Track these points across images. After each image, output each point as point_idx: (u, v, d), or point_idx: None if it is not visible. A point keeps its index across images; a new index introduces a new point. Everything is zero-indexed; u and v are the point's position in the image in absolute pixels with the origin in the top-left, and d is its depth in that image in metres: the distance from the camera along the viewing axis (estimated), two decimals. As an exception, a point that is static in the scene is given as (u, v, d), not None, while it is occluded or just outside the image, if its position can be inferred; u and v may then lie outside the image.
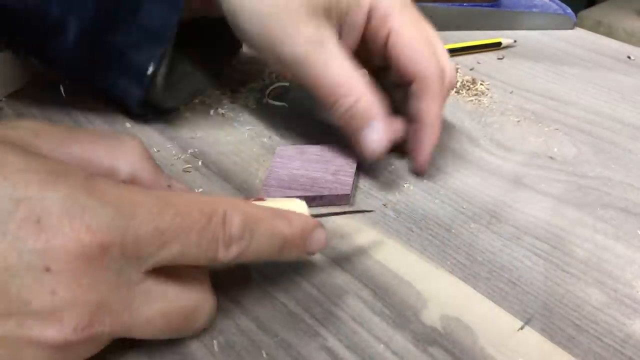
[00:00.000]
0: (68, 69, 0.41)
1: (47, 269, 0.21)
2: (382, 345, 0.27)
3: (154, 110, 0.42)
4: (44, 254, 0.21)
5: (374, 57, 0.39)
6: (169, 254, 0.23)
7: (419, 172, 0.38)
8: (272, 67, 0.47)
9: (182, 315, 0.25)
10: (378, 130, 0.35)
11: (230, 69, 0.51)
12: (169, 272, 0.24)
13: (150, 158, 0.29)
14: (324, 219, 0.34)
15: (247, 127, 0.43)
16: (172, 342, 0.26)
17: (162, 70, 0.39)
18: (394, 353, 0.26)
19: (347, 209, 0.35)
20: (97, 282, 0.22)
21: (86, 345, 0.23)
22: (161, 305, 0.24)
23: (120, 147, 0.28)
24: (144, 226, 0.22)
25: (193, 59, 0.45)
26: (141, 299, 0.23)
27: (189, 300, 0.25)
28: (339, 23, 0.36)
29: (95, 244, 0.21)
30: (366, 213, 0.35)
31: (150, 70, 0.38)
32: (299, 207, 0.29)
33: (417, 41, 0.37)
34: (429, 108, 0.37)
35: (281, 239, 0.26)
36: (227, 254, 0.24)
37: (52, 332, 0.21)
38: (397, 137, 0.36)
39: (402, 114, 0.38)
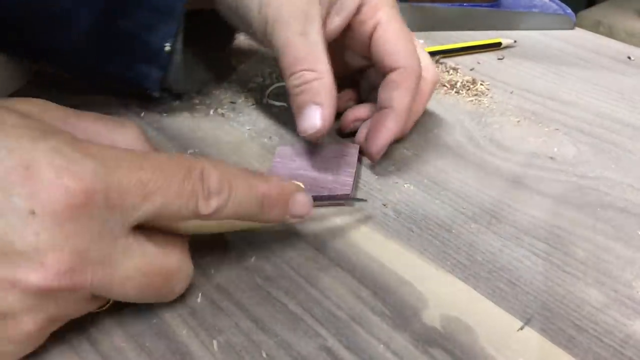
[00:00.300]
0: (76, 62, 0.40)
1: (32, 212, 0.22)
2: (382, 346, 0.27)
3: (169, 93, 0.42)
4: (30, 198, 0.22)
5: (354, 52, 0.41)
6: (151, 206, 0.24)
7: (371, 157, 0.38)
8: (245, 32, 0.44)
9: (162, 276, 0.25)
10: (318, 115, 0.35)
11: (230, 69, 0.51)
12: (150, 235, 0.25)
13: (147, 140, 0.30)
14: (323, 219, 0.34)
15: (247, 127, 0.43)
16: (171, 342, 0.26)
17: (179, 47, 0.38)
18: (394, 353, 0.26)
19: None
20: (81, 230, 0.23)
21: (68, 297, 0.23)
22: (142, 261, 0.25)
23: (120, 127, 0.29)
24: (127, 177, 0.23)
25: (194, 51, 0.46)
26: (122, 253, 0.24)
27: (168, 262, 0.26)
28: (330, 4, 0.37)
29: (81, 190, 0.22)
30: (362, 204, 0.35)
31: (168, 48, 0.38)
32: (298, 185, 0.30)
33: (402, 36, 0.38)
34: (401, 98, 0.37)
35: (260, 194, 0.27)
36: (207, 207, 0.25)
37: (34, 276, 0.22)
38: (330, 127, 0.36)
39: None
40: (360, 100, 0.44)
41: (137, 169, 0.24)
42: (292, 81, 0.35)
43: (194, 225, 0.27)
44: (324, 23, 0.37)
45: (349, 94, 0.43)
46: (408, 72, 0.37)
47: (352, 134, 0.41)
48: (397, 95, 0.37)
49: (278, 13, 0.35)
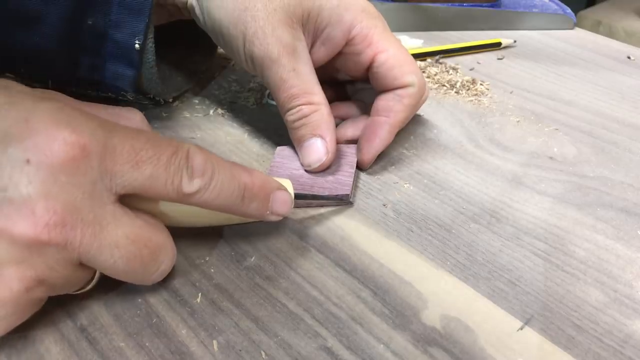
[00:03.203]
0: (47, 65, 0.39)
1: (28, 161, 0.23)
2: (382, 346, 0.27)
3: (146, 97, 0.42)
4: (26, 147, 0.23)
5: (345, 73, 0.41)
6: (140, 176, 0.25)
7: (363, 164, 0.38)
8: (238, 64, 0.46)
9: (150, 249, 0.26)
10: (320, 147, 0.36)
11: (229, 70, 0.51)
12: (137, 212, 0.26)
13: (148, 126, 0.31)
14: (323, 219, 0.34)
15: (247, 127, 0.43)
16: (171, 342, 0.26)
17: (150, 46, 0.38)
18: (394, 353, 0.26)
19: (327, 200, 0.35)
20: (73, 185, 0.23)
21: (57, 256, 0.23)
22: (131, 230, 0.25)
23: (122, 113, 0.30)
24: (121, 142, 0.25)
25: (173, 59, 0.46)
26: (111, 219, 0.24)
27: (156, 236, 0.26)
28: (315, 35, 0.37)
29: (78, 145, 0.23)
30: (362, 204, 0.35)
31: (137, 45, 0.37)
32: (286, 184, 0.31)
33: (403, 58, 0.38)
34: (400, 112, 0.38)
35: (242, 184, 0.28)
36: (190, 186, 0.26)
37: (23, 224, 0.22)
38: (333, 158, 0.37)
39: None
40: (341, 96, 0.44)
41: (131, 137, 0.25)
42: (290, 116, 0.36)
43: (176, 211, 0.28)
44: (310, 52, 0.37)
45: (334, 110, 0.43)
46: (414, 90, 0.38)
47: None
48: (396, 109, 0.38)
49: (265, 51, 0.35)
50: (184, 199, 0.26)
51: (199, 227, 0.31)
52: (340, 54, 0.38)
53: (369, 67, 0.38)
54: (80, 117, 0.24)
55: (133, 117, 0.30)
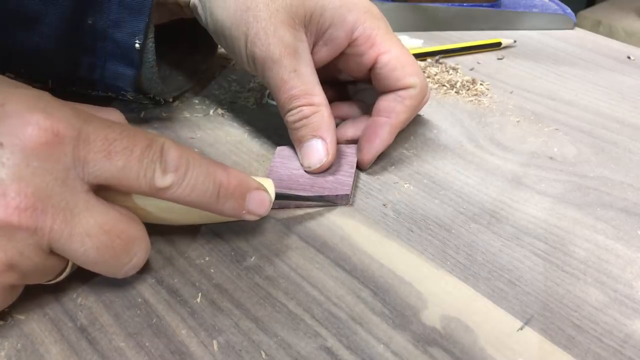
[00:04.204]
0: (47, 66, 0.39)
1: (1, 144, 0.23)
2: (382, 346, 0.27)
3: (146, 97, 0.42)
4: (0, 131, 0.23)
5: (347, 74, 0.41)
6: (113, 167, 0.25)
7: (363, 164, 0.38)
8: (239, 64, 0.46)
9: (122, 240, 0.26)
10: (320, 148, 0.36)
11: (229, 70, 0.51)
12: (112, 204, 0.26)
13: (127, 124, 0.31)
14: (323, 219, 0.34)
15: (247, 127, 0.43)
16: (171, 342, 0.26)
17: (150, 45, 0.38)
18: (394, 353, 0.26)
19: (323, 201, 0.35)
20: (45, 170, 0.23)
21: (27, 241, 0.23)
22: (104, 219, 0.25)
23: (101, 111, 0.30)
24: (95, 132, 0.25)
25: (173, 58, 0.46)
26: (84, 207, 0.25)
27: (130, 228, 0.26)
28: (317, 36, 0.37)
29: (52, 130, 0.23)
30: (362, 204, 0.35)
31: (137, 45, 0.37)
32: (267, 183, 0.31)
33: (406, 59, 0.38)
34: (401, 113, 0.38)
35: (217, 182, 0.28)
36: (163, 181, 0.26)
37: None
38: (334, 159, 0.37)
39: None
40: (343, 96, 0.44)
41: (105, 127, 0.25)
42: (290, 117, 0.36)
43: (152, 206, 0.28)
44: (312, 52, 0.37)
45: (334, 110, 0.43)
46: (416, 91, 0.38)
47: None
48: (398, 110, 0.38)
49: (267, 51, 0.35)
50: (157, 193, 0.26)
51: (179, 226, 0.31)
52: (342, 54, 0.38)
53: (372, 68, 0.38)
54: (56, 104, 0.25)
55: (112, 115, 0.30)
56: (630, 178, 0.40)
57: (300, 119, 0.36)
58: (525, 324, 0.28)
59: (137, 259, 0.27)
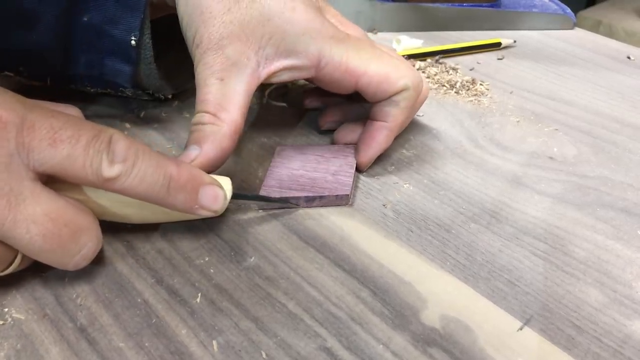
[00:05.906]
0: (44, 63, 0.39)
1: None
2: (381, 346, 0.27)
3: (146, 93, 0.42)
4: None
5: (335, 92, 0.39)
6: (58, 155, 0.25)
7: (360, 167, 0.38)
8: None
9: (70, 229, 0.26)
10: (192, 156, 0.33)
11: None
12: (62, 195, 0.26)
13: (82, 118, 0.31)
14: (323, 219, 0.34)
15: (247, 127, 0.43)
16: (171, 342, 0.26)
17: (147, 41, 0.38)
18: (394, 353, 0.26)
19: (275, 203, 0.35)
20: None
21: None
22: (50, 207, 0.25)
23: (59, 107, 0.30)
24: (40, 119, 0.25)
25: (175, 56, 0.45)
26: (29, 194, 0.24)
27: (78, 218, 0.26)
28: (275, 60, 0.35)
29: None
30: (362, 204, 0.35)
31: (134, 41, 0.37)
32: (224, 181, 0.31)
33: (392, 65, 0.36)
34: (397, 116, 0.37)
35: (167, 174, 0.27)
36: (110, 171, 0.26)
37: None
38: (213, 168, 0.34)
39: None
40: (340, 97, 0.43)
41: (50, 116, 0.25)
42: (193, 119, 0.34)
43: (104, 199, 0.28)
44: (268, 62, 0.35)
45: (330, 115, 0.43)
46: (409, 92, 0.37)
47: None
48: (394, 113, 0.37)
49: (203, 54, 0.34)
50: (104, 184, 0.26)
51: (141, 225, 0.31)
52: (319, 80, 0.37)
53: (356, 89, 0.37)
54: (3, 91, 0.25)
55: (70, 111, 0.30)
56: (630, 178, 0.40)
57: (197, 124, 0.34)
58: (525, 324, 0.28)
59: (87, 249, 0.27)
